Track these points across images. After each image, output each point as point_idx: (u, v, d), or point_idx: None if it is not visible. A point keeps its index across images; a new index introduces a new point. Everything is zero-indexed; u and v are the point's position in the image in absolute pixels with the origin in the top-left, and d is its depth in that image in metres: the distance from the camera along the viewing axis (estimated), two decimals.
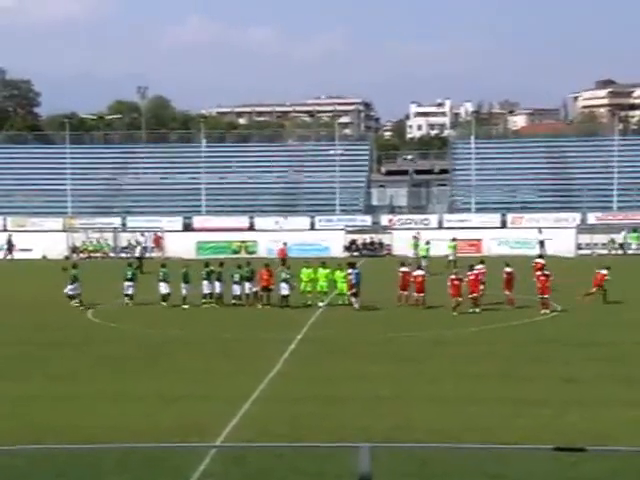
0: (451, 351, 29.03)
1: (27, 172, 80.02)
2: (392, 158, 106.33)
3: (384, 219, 71.93)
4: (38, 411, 21.66)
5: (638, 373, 25.31)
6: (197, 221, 72.94)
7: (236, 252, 66.17)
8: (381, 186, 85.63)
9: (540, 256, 48.05)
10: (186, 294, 39.56)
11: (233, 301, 39.56)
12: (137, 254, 59.76)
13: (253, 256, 60.44)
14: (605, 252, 63.98)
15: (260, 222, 71.60)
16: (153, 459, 13.97)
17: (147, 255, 61.65)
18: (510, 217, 70.05)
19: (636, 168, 74.58)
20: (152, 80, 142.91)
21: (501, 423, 20.21)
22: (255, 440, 18.52)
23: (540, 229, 64.53)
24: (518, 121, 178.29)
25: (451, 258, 53.93)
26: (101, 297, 41.15)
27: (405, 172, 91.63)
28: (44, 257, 66.36)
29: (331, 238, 67.27)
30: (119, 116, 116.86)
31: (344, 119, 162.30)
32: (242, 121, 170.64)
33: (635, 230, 66.13)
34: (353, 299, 38.45)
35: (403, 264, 40.81)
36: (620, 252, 64.39)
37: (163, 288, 39.99)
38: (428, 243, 56.09)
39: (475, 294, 37.13)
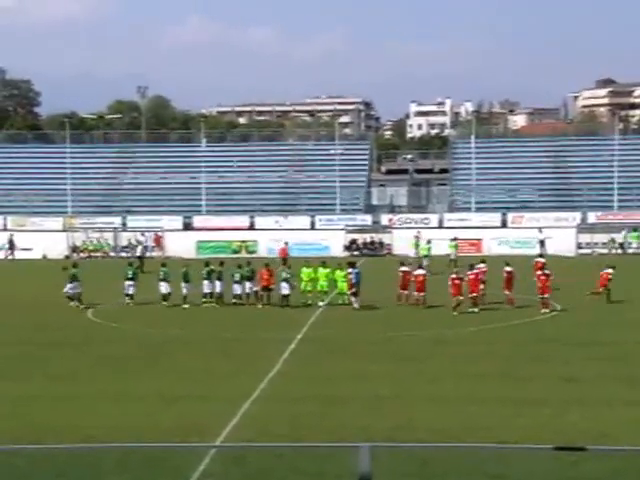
0: (451, 350, 29.01)
1: (27, 172, 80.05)
2: (392, 157, 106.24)
3: (384, 218, 71.93)
4: (38, 411, 21.64)
5: (639, 372, 25.29)
6: (197, 221, 72.95)
7: (236, 252, 66.16)
8: (381, 185, 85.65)
9: (540, 255, 48.04)
10: (186, 293, 39.55)
11: (234, 300, 39.55)
12: (138, 253, 59.69)
13: (253, 256, 60.41)
14: (605, 251, 64.00)
15: (260, 222, 71.61)
16: (153, 459, 13.97)
17: (147, 255, 61.60)
18: (510, 216, 70.06)
19: (636, 167, 74.51)
20: (152, 80, 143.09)
21: (501, 423, 20.19)
22: (255, 440, 18.51)
23: (540, 228, 64.51)
24: (518, 120, 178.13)
25: (452, 257, 53.92)
26: (101, 297, 41.12)
27: (405, 171, 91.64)
28: (44, 257, 66.36)
29: (331, 237, 67.26)
30: (119, 116, 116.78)
31: (344, 118, 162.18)
32: (242, 121, 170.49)
33: (635, 229, 66.12)
34: (353, 299, 38.43)
35: (403, 263, 40.79)
36: (620, 251, 64.39)
37: (163, 288, 39.98)
38: (429, 242, 56.10)
39: (474, 294, 37.10)
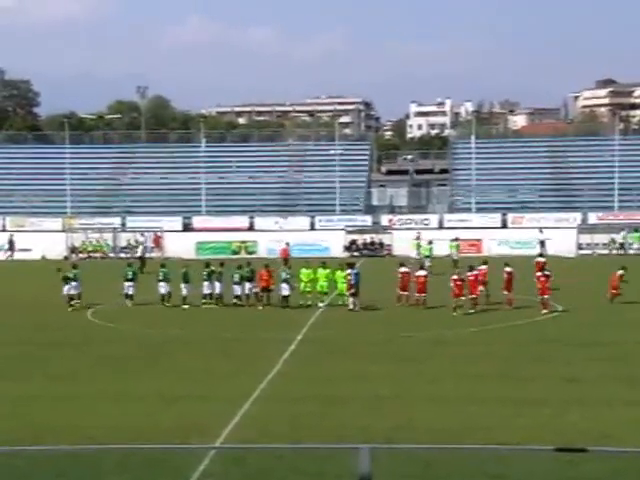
0: (451, 351, 28.98)
1: (26, 172, 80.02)
2: (392, 158, 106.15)
3: (384, 219, 71.90)
4: (38, 411, 21.62)
5: None
6: (197, 221, 72.89)
7: (236, 252, 66.13)
8: (381, 186, 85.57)
9: (541, 255, 48.02)
10: (186, 294, 39.52)
11: (234, 301, 39.51)
12: (139, 254, 59.61)
13: (253, 256, 60.39)
14: (606, 252, 63.98)
15: (260, 222, 71.57)
16: (153, 459, 13.95)
17: (147, 255, 61.55)
18: (511, 217, 70.02)
19: (637, 168, 74.52)
20: (152, 80, 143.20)
21: (502, 423, 20.17)
22: (255, 440, 18.48)
23: (541, 229, 64.46)
24: (518, 121, 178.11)
25: (454, 258, 53.87)
26: (101, 297, 41.09)
27: (405, 172, 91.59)
28: (43, 257, 66.27)
29: (331, 238, 67.21)
30: (119, 116, 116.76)
31: (344, 119, 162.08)
32: (242, 121, 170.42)
33: (636, 230, 66.07)
34: (351, 299, 38.35)
35: (403, 264, 40.72)
36: (621, 252, 64.33)
37: (163, 288, 39.95)
38: (431, 243, 56.06)
39: (473, 295, 37.06)
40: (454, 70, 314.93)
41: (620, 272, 38.96)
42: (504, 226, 69.29)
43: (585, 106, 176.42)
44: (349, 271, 38.92)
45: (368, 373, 25.54)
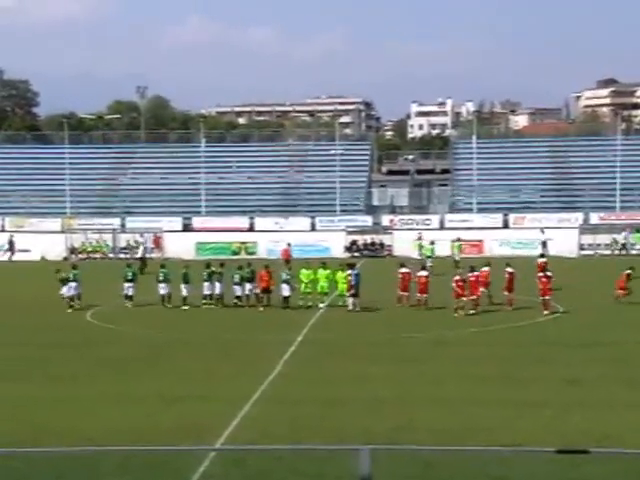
0: (452, 352, 28.92)
1: (25, 172, 79.96)
2: (393, 158, 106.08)
3: (385, 219, 71.82)
4: (38, 412, 21.57)
5: None
6: (197, 221, 72.82)
7: (236, 253, 66.04)
8: (382, 186, 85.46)
9: (542, 255, 47.91)
10: (186, 295, 39.45)
11: (234, 301, 39.43)
12: (139, 255, 59.48)
13: (253, 257, 60.33)
14: (608, 253, 63.89)
15: (260, 223, 71.47)
16: (153, 461, 13.92)
17: (147, 256, 61.47)
18: (512, 217, 69.94)
19: (639, 168, 74.45)
20: (152, 80, 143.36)
21: (503, 424, 20.11)
22: (256, 441, 18.42)
23: (542, 229, 64.35)
24: (520, 121, 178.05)
25: (456, 258, 53.78)
26: (100, 298, 41.01)
27: (406, 172, 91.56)
28: (43, 258, 66.20)
29: (332, 239, 67.14)
30: (118, 116, 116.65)
31: (344, 119, 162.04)
32: (242, 121, 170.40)
33: (638, 230, 65.95)
34: (350, 300, 38.27)
35: (403, 265, 40.63)
36: (623, 252, 64.22)
37: (163, 289, 39.87)
38: (433, 243, 55.99)
39: (473, 296, 36.96)
40: (455, 70, 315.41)
41: (628, 272, 38.87)
42: (505, 226, 69.21)
43: (587, 106, 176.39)
44: (350, 272, 38.84)
45: (369, 374, 25.47)
